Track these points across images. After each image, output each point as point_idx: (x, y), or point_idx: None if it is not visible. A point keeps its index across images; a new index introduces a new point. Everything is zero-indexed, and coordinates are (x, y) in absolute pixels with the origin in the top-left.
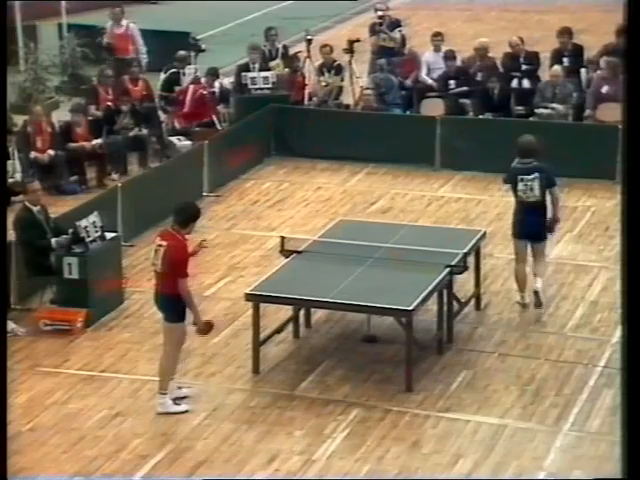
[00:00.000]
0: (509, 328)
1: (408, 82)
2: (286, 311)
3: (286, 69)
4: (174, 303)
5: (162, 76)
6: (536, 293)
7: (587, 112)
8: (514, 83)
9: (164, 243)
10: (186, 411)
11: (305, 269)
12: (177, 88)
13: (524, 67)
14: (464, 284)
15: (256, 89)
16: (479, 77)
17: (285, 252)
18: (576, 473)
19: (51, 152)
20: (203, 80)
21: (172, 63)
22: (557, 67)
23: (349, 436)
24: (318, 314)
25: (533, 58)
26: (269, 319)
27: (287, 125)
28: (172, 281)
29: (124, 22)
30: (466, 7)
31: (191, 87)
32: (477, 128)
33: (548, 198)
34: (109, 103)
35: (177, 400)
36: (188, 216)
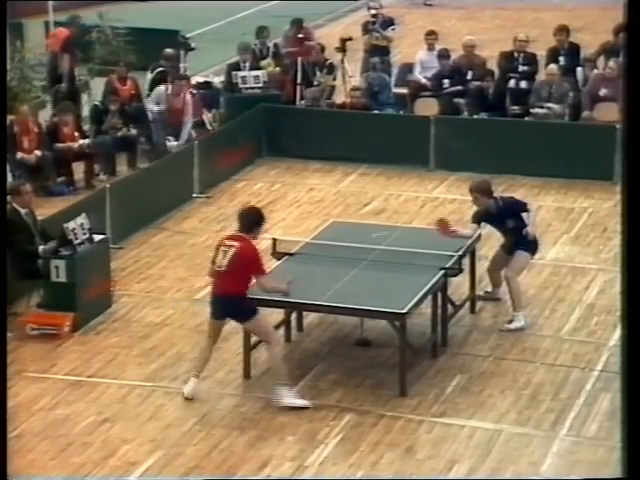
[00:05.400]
0: (504, 331)
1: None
2: (278, 314)
3: (277, 68)
4: (241, 301)
5: (149, 75)
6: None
7: (585, 113)
8: (511, 83)
9: (235, 244)
10: (306, 407)
11: (297, 272)
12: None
13: (522, 68)
14: (459, 287)
15: (247, 88)
16: (469, 76)
17: (277, 254)
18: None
19: (38, 153)
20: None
21: (158, 62)
22: (553, 66)
23: (342, 442)
24: (310, 317)
25: (531, 59)
26: None
27: (279, 125)
28: (240, 281)
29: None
30: (461, 5)
31: None
32: (472, 128)
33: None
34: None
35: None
36: (253, 220)
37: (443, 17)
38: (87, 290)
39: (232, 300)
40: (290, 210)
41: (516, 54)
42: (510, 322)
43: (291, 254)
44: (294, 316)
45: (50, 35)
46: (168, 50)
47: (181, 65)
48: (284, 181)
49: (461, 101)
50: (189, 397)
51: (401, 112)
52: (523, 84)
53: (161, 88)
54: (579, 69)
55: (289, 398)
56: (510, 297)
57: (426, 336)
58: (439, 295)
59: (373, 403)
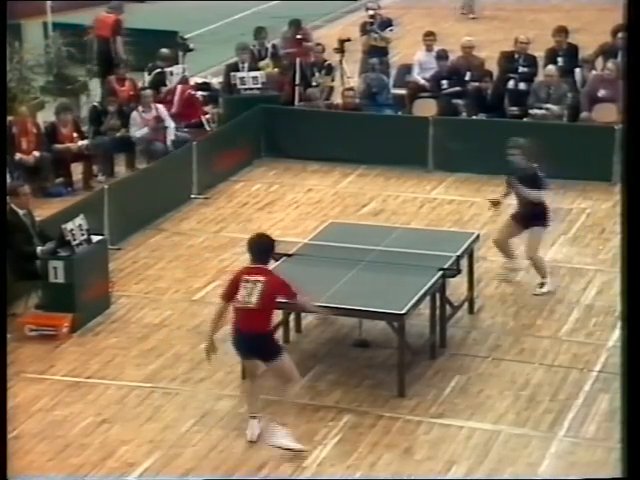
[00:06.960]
0: (503, 332)
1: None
2: (276, 315)
3: (276, 69)
4: (269, 340)
5: (146, 76)
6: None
7: (583, 114)
8: (510, 84)
9: (260, 279)
10: (300, 451)
11: (295, 272)
12: (164, 88)
13: (521, 69)
14: (457, 287)
15: (245, 89)
16: (467, 77)
17: (275, 255)
18: None
19: (36, 153)
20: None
21: (155, 62)
22: (551, 67)
23: (340, 442)
24: (309, 318)
25: (531, 61)
26: None
27: (277, 126)
28: (268, 318)
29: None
30: (459, 6)
31: (179, 87)
32: (470, 129)
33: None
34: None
35: None
36: (266, 248)
37: (441, 18)
38: (85, 291)
39: (259, 339)
40: (288, 211)
41: (516, 55)
42: (541, 286)
43: (289, 255)
44: (292, 317)
45: (96, 20)
46: (164, 50)
47: (180, 66)
48: (282, 182)
49: (460, 102)
50: (252, 440)
51: (400, 113)
52: (522, 85)
53: (133, 114)
54: (577, 70)
55: (284, 439)
56: (535, 270)
57: (425, 337)
58: (437, 296)
59: (372, 404)
